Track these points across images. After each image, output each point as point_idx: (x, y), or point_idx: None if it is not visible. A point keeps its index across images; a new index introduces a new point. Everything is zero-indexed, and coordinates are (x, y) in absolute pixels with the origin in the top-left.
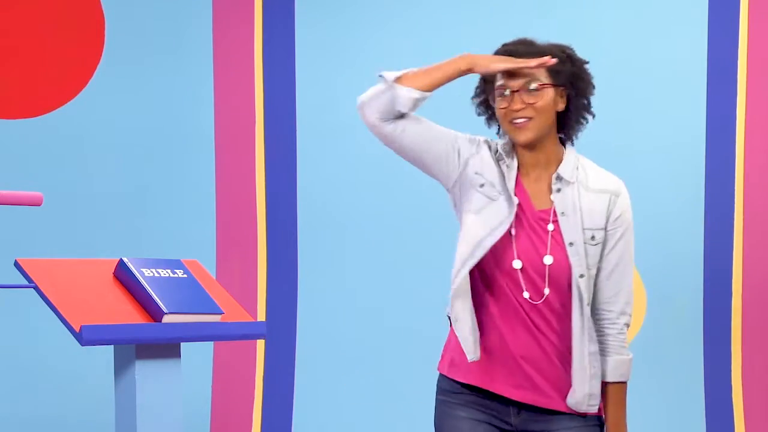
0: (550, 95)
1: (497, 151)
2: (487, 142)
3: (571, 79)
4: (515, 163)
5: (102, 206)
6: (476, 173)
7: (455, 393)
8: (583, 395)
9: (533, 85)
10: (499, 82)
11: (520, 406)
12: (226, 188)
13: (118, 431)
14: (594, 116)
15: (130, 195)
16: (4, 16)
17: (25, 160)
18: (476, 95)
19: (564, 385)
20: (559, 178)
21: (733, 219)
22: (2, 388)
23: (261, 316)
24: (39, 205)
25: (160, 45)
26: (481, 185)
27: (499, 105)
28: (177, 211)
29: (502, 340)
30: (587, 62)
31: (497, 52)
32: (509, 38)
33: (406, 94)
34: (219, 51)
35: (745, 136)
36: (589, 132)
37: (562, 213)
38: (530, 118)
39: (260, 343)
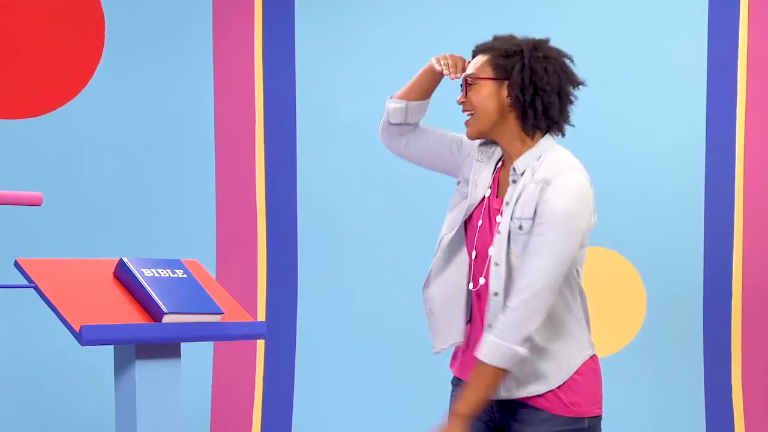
0: (488, 89)
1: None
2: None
3: (519, 72)
4: (495, 157)
5: (102, 206)
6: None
7: (453, 386)
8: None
9: (470, 80)
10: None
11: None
12: (226, 188)
13: (118, 431)
14: (571, 102)
15: (130, 195)
16: (4, 16)
17: (25, 160)
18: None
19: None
20: (514, 170)
21: (733, 219)
22: (2, 388)
23: (261, 316)
24: (39, 205)
25: (160, 45)
26: (458, 182)
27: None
28: (177, 211)
29: (469, 330)
30: (559, 56)
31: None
32: None
33: (390, 105)
34: (219, 51)
35: (745, 136)
36: (589, 132)
37: (506, 203)
38: (472, 113)
39: (260, 343)
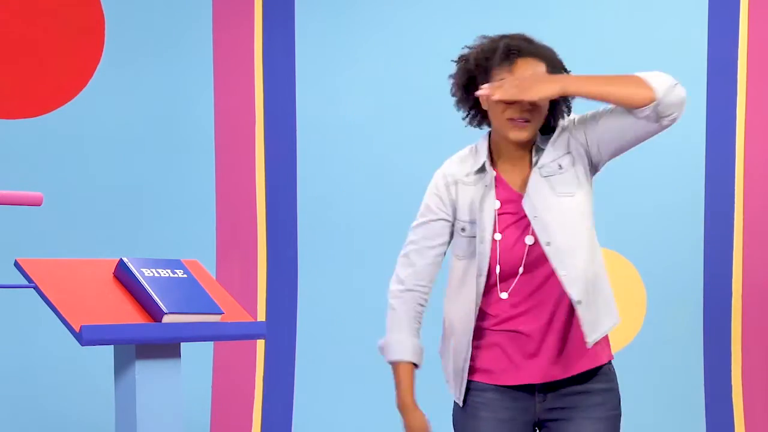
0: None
1: (473, 171)
2: (445, 183)
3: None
4: (486, 175)
5: (102, 206)
6: (458, 220)
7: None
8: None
9: None
10: (505, 77)
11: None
12: (226, 188)
13: (118, 431)
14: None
15: (130, 195)
16: (5, 16)
17: (25, 160)
18: (463, 88)
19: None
20: (538, 150)
21: (733, 219)
22: (2, 388)
23: (261, 316)
24: (39, 205)
25: (160, 45)
26: (462, 229)
27: (500, 102)
28: (177, 211)
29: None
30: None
31: (495, 42)
32: None
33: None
34: (219, 51)
35: (745, 136)
36: None
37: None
38: (529, 120)
39: (260, 343)
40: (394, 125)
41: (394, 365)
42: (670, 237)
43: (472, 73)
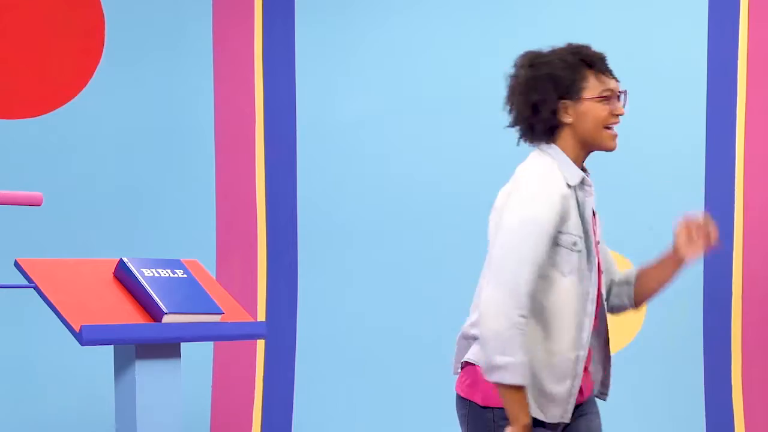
0: None
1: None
2: (561, 194)
3: None
4: (585, 184)
5: (102, 206)
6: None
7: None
8: None
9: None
10: (604, 84)
11: None
12: (226, 188)
13: (118, 431)
14: None
15: (130, 195)
16: (5, 16)
17: (25, 160)
18: (545, 99)
19: None
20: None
21: (733, 219)
22: (2, 388)
23: (261, 316)
24: (39, 205)
25: (160, 45)
26: (574, 243)
27: (604, 109)
28: (177, 211)
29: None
30: None
31: (569, 52)
32: (510, 38)
33: None
34: (219, 51)
35: (745, 136)
36: None
37: (595, 212)
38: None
39: (260, 343)
40: (394, 125)
41: (519, 387)
42: (670, 237)
43: (561, 90)
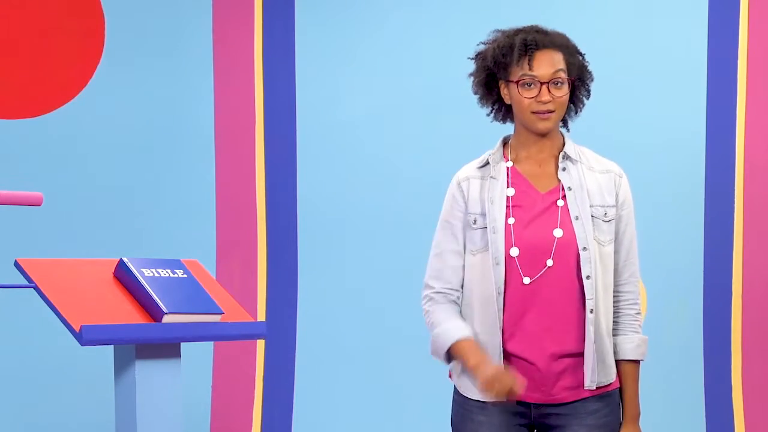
0: (567, 87)
1: (485, 163)
2: (459, 180)
3: (579, 70)
4: (498, 167)
5: (102, 206)
6: (469, 213)
7: None
8: None
9: (559, 80)
10: (526, 72)
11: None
12: (226, 188)
13: (118, 431)
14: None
15: (130, 195)
16: (4, 16)
17: (25, 160)
18: (484, 86)
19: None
20: (566, 157)
21: (733, 219)
22: (2, 388)
23: (261, 316)
24: (39, 205)
25: (160, 45)
26: (474, 221)
27: (525, 95)
28: (177, 211)
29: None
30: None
31: (510, 38)
32: None
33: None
34: (219, 51)
35: (745, 136)
36: (589, 130)
37: (569, 188)
38: (552, 111)
39: (260, 343)
40: (394, 125)
41: (455, 348)
42: (670, 237)
43: (491, 71)
